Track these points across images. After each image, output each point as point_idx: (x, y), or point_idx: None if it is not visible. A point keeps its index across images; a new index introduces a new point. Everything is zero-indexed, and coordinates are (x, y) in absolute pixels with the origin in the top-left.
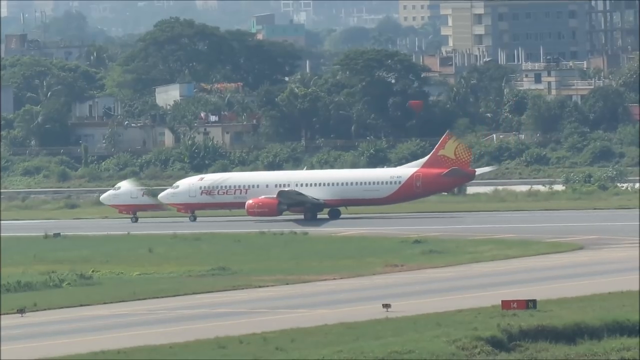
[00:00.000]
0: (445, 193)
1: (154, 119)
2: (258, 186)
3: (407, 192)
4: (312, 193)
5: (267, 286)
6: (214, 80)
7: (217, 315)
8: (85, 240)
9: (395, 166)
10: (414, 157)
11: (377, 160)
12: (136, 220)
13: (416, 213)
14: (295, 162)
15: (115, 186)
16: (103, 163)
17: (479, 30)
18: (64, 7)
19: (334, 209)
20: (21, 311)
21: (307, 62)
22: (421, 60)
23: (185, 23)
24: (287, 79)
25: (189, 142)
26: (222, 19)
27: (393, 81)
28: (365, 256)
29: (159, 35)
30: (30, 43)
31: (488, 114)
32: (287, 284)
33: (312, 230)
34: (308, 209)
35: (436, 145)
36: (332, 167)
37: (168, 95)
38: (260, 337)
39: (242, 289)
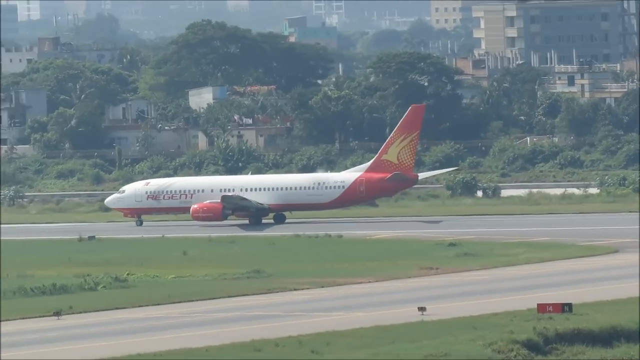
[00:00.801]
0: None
1: (188, 122)
2: (203, 191)
3: (351, 197)
4: (256, 198)
5: (302, 289)
6: (247, 83)
7: (252, 318)
8: (120, 243)
9: (430, 169)
10: (448, 160)
11: None
12: (141, 224)
13: (451, 216)
14: (329, 165)
15: (120, 189)
16: (137, 166)
17: (512, 32)
18: (96, 10)
19: (279, 213)
20: (57, 314)
21: (340, 64)
22: (454, 63)
23: (217, 26)
24: (320, 81)
25: (223, 145)
26: (254, 22)
27: (426, 84)
28: (400, 259)
29: (191, 38)
30: (63, 46)
31: (521, 117)
32: (322, 286)
33: (346, 233)
34: (252, 214)
35: (379, 150)
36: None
37: (201, 98)
38: (295, 340)
39: (277, 291)
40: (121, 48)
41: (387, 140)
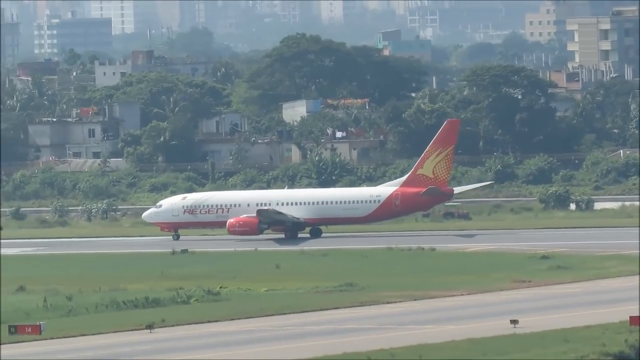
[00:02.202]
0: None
1: (281, 135)
2: (239, 205)
3: (387, 211)
4: (292, 212)
5: (395, 302)
6: (340, 96)
7: (344, 331)
8: (212, 256)
9: (523, 182)
10: (541, 172)
11: (504, 176)
12: (177, 238)
13: (543, 229)
14: None
15: (157, 204)
16: (230, 179)
17: (605, 45)
18: (190, 23)
19: (315, 227)
20: (150, 327)
21: (434, 77)
22: (547, 76)
23: (311, 39)
24: (413, 94)
25: (316, 158)
26: (348, 35)
27: (519, 97)
28: (493, 272)
29: (285, 51)
30: (157, 59)
31: (614, 130)
32: (415, 299)
33: (439, 245)
34: (288, 228)
35: (415, 164)
36: (459, 182)
37: (295, 111)
38: (387, 353)
39: (370, 304)
40: (215, 61)
41: (422, 154)
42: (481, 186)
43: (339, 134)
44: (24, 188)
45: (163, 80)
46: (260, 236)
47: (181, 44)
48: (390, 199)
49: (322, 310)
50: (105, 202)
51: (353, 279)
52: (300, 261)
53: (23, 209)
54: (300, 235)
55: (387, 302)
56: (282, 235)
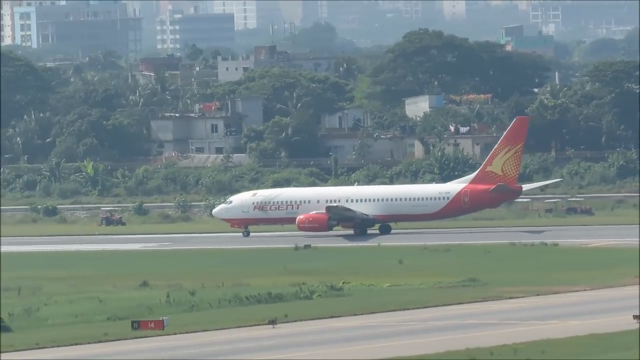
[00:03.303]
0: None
1: (404, 131)
2: (309, 202)
3: (456, 208)
4: (361, 209)
5: (517, 297)
6: (463, 91)
7: (467, 327)
8: (335, 251)
9: None
10: None
11: (626, 171)
12: (248, 235)
13: None
14: (545, 173)
15: (227, 200)
16: (353, 174)
17: None
18: (313, 19)
19: (385, 224)
20: (272, 322)
21: (556, 73)
22: None
23: (434, 34)
24: (536, 90)
25: (439, 153)
26: (470, 31)
27: None
28: (616, 267)
29: (408, 47)
30: (280, 54)
31: None
32: (538, 295)
33: (562, 241)
34: (357, 225)
35: (484, 161)
36: (582, 178)
37: (417, 107)
38: (510, 349)
39: (492, 300)
40: (337, 57)
41: (491, 151)
42: (551, 183)
43: (462, 130)
44: (146, 183)
45: (286, 76)
46: (329, 232)
47: (304, 39)
48: (459, 195)
49: (444, 305)
50: (227, 197)
51: (476, 275)
52: (423, 257)
53: (146, 204)
54: (369, 231)
55: (510, 298)
56: (352, 232)
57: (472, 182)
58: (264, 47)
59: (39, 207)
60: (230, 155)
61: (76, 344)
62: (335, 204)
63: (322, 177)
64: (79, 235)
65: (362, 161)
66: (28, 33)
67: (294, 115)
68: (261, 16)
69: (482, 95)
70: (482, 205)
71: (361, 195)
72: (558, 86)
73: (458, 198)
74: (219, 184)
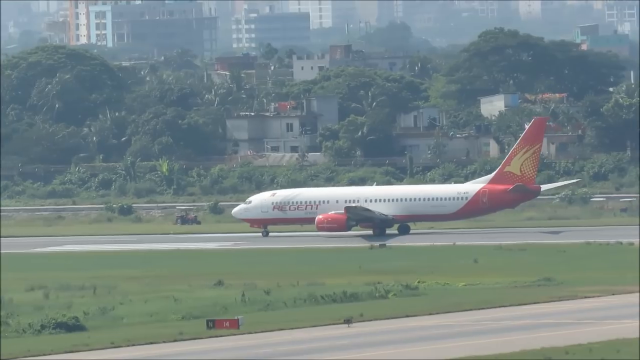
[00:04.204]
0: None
1: (479, 130)
2: (328, 202)
3: (474, 208)
4: (380, 209)
5: (593, 297)
6: (538, 90)
7: (542, 326)
8: (410, 250)
9: None
10: None
11: None
12: (267, 235)
13: None
14: (620, 173)
15: (247, 200)
16: (428, 173)
17: None
18: (388, 18)
19: (403, 224)
20: (348, 321)
21: (632, 72)
22: None
23: (510, 33)
24: (611, 89)
25: None
26: (546, 29)
27: None
28: None
29: (483, 46)
30: (355, 53)
31: None
32: (613, 294)
33: (637, 241)
34: (376, 225)
35: (503, 161)
36: None
37: (493, 106)
38: (585, 348)
39: (568, 299)
40: (413, 56)
41: (510, 152)
42: (570, 183)
43: None
44: (222, 182)
45: (361, 75)
46: (348, 233)
47: (379, 38)
48: (478, 196)
49: (519, 305)
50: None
51: (551, 274)
52: (498, 256)
53: (221, 203)
54: (388, 231)
55: (585, 297)
56: (370, 232)
57: (491, 182)
58: (340, 46)
59: (114, 206)
60: (306, 154)
61: (151, 343)
62: (354, 204)
63: (397, 176)
64: (154, 234)
65: (438, 160)
66: (103, 32)
67: (369, 114)
68: (336, 15)
69: (557, 95)
70: (501, 206)
71: (380, 196)
72: (633, 85)
73: (477, 198)
74: (295, 183)
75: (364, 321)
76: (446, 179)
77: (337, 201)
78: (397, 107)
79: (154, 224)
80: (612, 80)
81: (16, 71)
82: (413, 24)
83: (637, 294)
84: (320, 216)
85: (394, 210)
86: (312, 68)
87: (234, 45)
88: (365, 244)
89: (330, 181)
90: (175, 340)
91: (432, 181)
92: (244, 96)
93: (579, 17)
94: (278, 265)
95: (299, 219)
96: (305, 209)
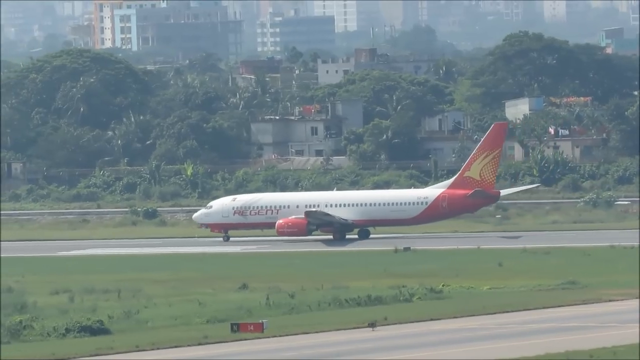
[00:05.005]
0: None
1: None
2: (289, 207)
3: (434, 213)
4: (340, 213)
5: (617, 300)
6: (563, 94)
7: (567, 329)
8: (435, 254)
9: None
10: None
11: None
12: (227, 239)
13: None
14: None
15: (207, 205)
16: (452, 177)
17: None
18: (413, 21)
19: (364, 229)
20: (372, 325)
21: None
22: None
23: (534, 37)
24: (636, 93)
25: (539, 155)
26: (570, 33)
27: None
28: None
29: (508, 50)
30: (380, 57)
31: None
32: (637, 297)
33: None
34: (337, 229)
35: (463, 166)
36: None
37: (517, 109)
38: (609, 351)
39: (592, 303)
40: (437, 59)
41: (469, 157)
42: (527, 189)
43: (561, 132)
44: (246, 186)
45: (386, 78)
46: (309, 237)
47: (404, 42)
48: (438, 200)
49: (544, 308)
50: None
51: (575, 277)
52: (523, 259)
53: None
54: (348, 236)
55: (610, 300)
56: (331, 237)
57: (451, 187)
58: (364, 49)
59: (138, 209)
60: (330, 157)
61: (176, 347)
62: (314, 209)
63: (422, 180)
64: (178, 237)
65: (462, 163)
66: (128, 36)
67: (393, 118)
68: (361, 18)
69: (582, 98)
70: (461, 210)
71: (340, 200)
72: None
73: (436, 203)
74: (319, 187)
75: (388, 324)
76: None
77: (297, 206)
78: (422, 110)
79: (179, 227)
80: (637, 83)
81: (41, 74)
82: (438, 27)
83: None
84: (281, 221)
85: (354, 215)
86: (336, 71)
87: (259, 49)
88: (390, 247)
89: (354, 185)
90: (199, 344)
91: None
92: (268, 100)
93: (604, 20)
94: (302, 269)
95: (259, 223)
96: (266, 213)
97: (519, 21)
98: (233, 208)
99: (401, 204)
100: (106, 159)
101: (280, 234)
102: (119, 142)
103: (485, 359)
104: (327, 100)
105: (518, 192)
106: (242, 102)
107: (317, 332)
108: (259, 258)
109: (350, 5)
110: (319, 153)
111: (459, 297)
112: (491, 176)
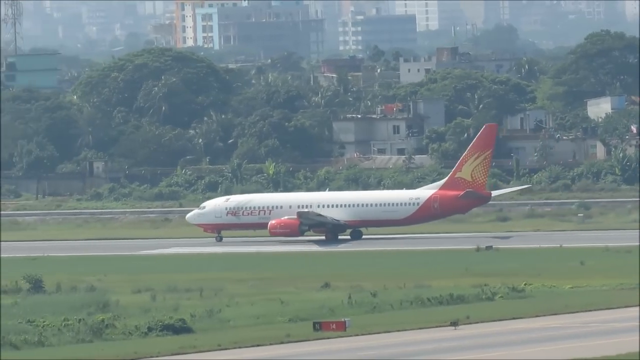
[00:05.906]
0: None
1: (585, 132)
2: (281, 207)
3: (425, 214)
4: (332, 214)
5: None
6: None
7: None
8: (517, 253)
9: None
10: None
11: None
12: (221, 240)
13: None
14: None
15: (200, 205)
16: (535, 176)
17: None
18: (495, 20)
19: (356, 229)
20: (454, 324)
21: None
22: None
23: (616, 36)
24: None
25: (621, 154)
26: None
27: None
28: None
29: (590, 48)
30: (462, 56)
31: None
32: None
33: None
34: (329, 230)
35: (454, 167)
36: None
37: (599, 108)
38: None
39: None
40: (519, 58)
41: (461, 158)
42: (519, 189)
43: None
44: (328, 184)
45: (467, 77)
46: (301, 238)
47: (486, 40)
48: (429, 201)
49: (626, 307)
50: None
51: None
52: (605, 258)
53: None
54: (340, 236)
55: None
56: (323, 237)
57: (442, 188)
58: (446, 48)
59: None
60: (412, 156)
61: (258, 345)
62: (306, 210)
63: (504, 178)
64: (260, 236)
65: (544, 162)
66: (210, 34)
67: (475, 117)
68: (443, 17)
69: None
70: (452, 211)
71: (332, 201)
72: None
73: (428, 204)
74: (401, 185)
75: (470, 323)
76: (553, 181)
77: (290, 206)
78: (504, 109)
79: None
80: None
81: (122, 73)
82: (520, 26)
83: None
84: (273, 221)
85: (346, 215)
86: (418, 70)
87: (341, 48)
88: (471, 246)
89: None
90: (282, 343)
91: (539, 183)
92: (350, 98)
93: None
94: (384, 267)
95: (252, 224)
96: (259, 214)
97: (601, 20)
98: (226, 209)
99: (393, 204)
100: (188, 157)
101: (272, 234)
102: (201, 140)
103: (567, 359)
104: (409, 98)
105: (515, 191)
106: (323, 101)
107: (398, 331)
108: (341, 257)
109: (431, 5)
110: (400, 152)
111: (541, 296)
112: (482, 177)
